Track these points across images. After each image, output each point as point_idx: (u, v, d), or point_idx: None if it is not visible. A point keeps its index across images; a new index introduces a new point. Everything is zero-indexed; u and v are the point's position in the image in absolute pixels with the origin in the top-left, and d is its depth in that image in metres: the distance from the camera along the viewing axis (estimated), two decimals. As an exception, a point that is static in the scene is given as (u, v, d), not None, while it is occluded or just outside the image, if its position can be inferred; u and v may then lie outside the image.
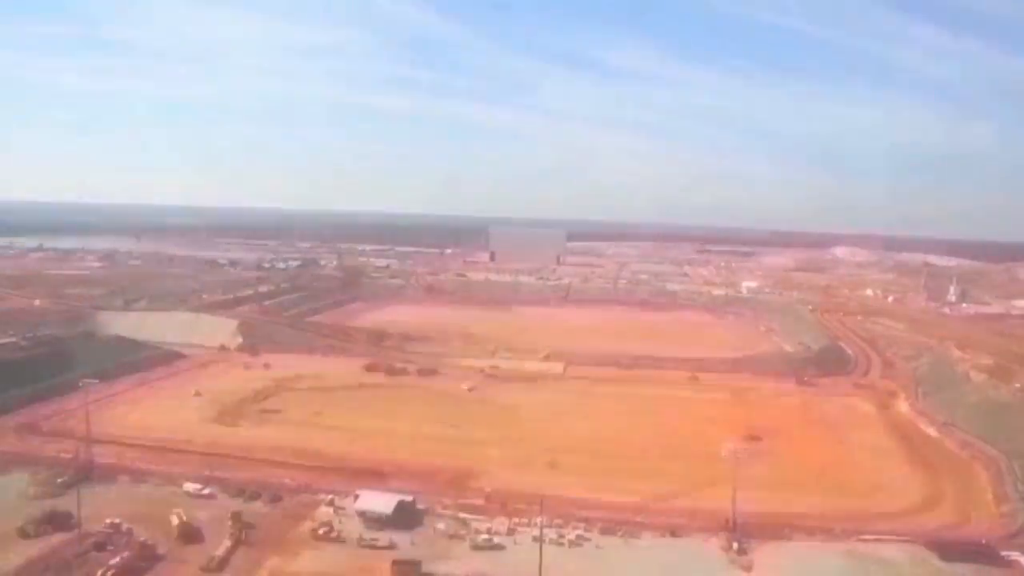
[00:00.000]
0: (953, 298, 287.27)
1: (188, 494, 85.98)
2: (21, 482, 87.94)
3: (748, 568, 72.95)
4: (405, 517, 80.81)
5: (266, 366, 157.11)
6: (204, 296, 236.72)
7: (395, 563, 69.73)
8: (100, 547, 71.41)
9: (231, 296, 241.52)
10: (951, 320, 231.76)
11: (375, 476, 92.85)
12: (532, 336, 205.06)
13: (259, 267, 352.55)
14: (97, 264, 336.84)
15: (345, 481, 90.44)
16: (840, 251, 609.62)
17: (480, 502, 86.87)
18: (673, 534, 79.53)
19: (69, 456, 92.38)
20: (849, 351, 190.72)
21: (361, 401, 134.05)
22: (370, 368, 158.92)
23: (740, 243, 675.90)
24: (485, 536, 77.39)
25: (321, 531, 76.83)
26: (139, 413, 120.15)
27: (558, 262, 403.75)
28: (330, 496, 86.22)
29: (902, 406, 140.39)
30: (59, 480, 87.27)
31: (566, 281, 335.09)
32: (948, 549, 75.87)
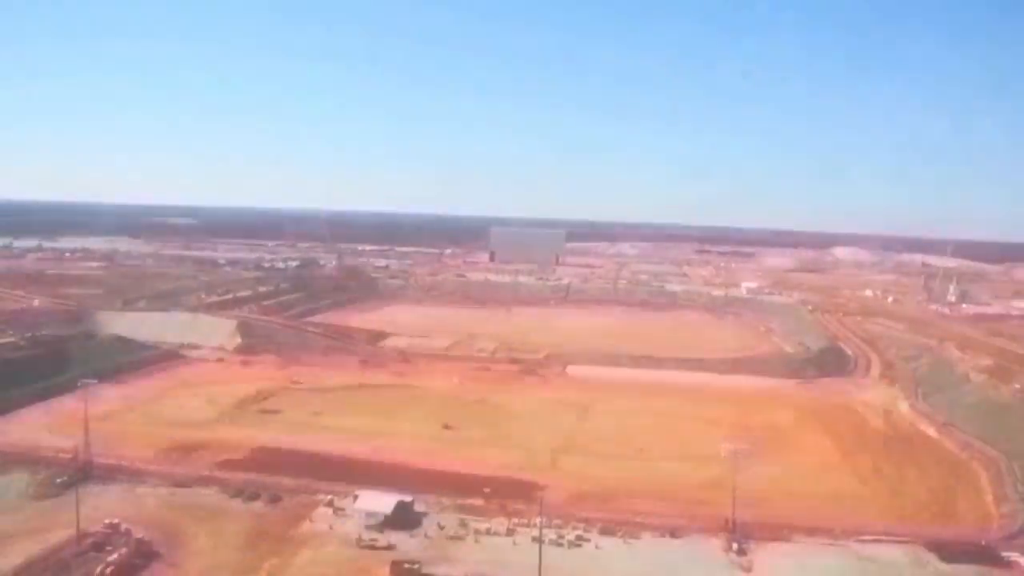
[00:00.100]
0: (953, 299, 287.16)
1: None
2: (21, 482, 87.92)
3: (748, 569, 72.90)
4: (404, 517, 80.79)
5: (265, 366, 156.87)
6: (203, 296, 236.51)
7: (395, 563, 69.64)
8: (99, 547, 71.36)
9: (230, 296, 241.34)
10: (951, 321, 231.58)
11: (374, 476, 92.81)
12: (532, 335, 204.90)
13: (258, 267, 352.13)
14: (97, 264, 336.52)
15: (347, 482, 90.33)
16: (840, 251, 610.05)
17: (479, 502, 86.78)
18: (673, 535, 79.46)
19: (68, 456, 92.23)
20: (849, 352, 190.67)
21: (362, 401, 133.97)
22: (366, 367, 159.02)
23: (740, 243, 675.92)
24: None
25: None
26: (137, 413, 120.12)
27: (558, 262, 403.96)
28: (329, 496, 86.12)
29: (902, 406, 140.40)
30: (58, 480, 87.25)
31: (566, 281, 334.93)
32: (948, 550, 75.85)
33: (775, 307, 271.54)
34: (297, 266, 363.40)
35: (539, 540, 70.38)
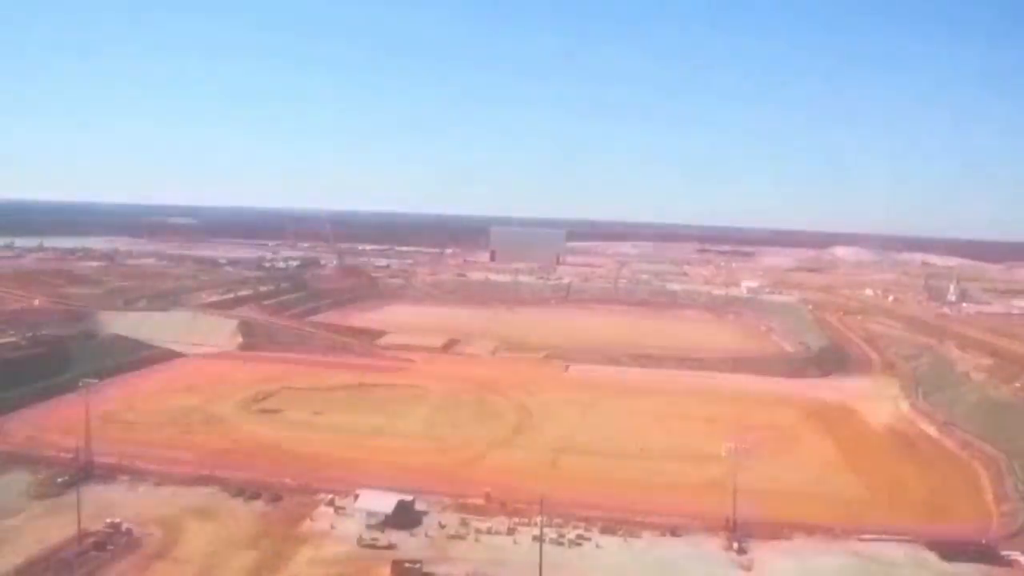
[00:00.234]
0: (953, 298, 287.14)
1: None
2: (21, 481, 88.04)
3: (748, 568, 72.94)
4: (405, 517, 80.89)
5: (266, 365, 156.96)
6: (204, 296, 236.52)
7: (395, 563, 69.73)
8: (100, 546, 71.46)
9: (231, 296, 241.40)
10: (951, 320, 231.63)
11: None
12: (532, 335, 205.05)
13: (259, 267, 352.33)
14: (97, 264, 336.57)
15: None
16: (840, 251, 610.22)
17: (480, 502, 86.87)
18: (673, 533, 79.51)
19: (69, 456, 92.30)
20: (849, 351, 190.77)
21: (362, 400, 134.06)
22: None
23: (740, 243, 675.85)
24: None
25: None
26: (138, 412, 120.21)
27: (558, 262, 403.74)
28: (330, 495, 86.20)
29: (903, 405, 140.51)
30: (59, 479, 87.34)
31: (566, 281, 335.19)
32: (948, 549, 75.88)
33: (775, 306, 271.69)
34: (298, 266, 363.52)
35: (540, 539, 70.49)
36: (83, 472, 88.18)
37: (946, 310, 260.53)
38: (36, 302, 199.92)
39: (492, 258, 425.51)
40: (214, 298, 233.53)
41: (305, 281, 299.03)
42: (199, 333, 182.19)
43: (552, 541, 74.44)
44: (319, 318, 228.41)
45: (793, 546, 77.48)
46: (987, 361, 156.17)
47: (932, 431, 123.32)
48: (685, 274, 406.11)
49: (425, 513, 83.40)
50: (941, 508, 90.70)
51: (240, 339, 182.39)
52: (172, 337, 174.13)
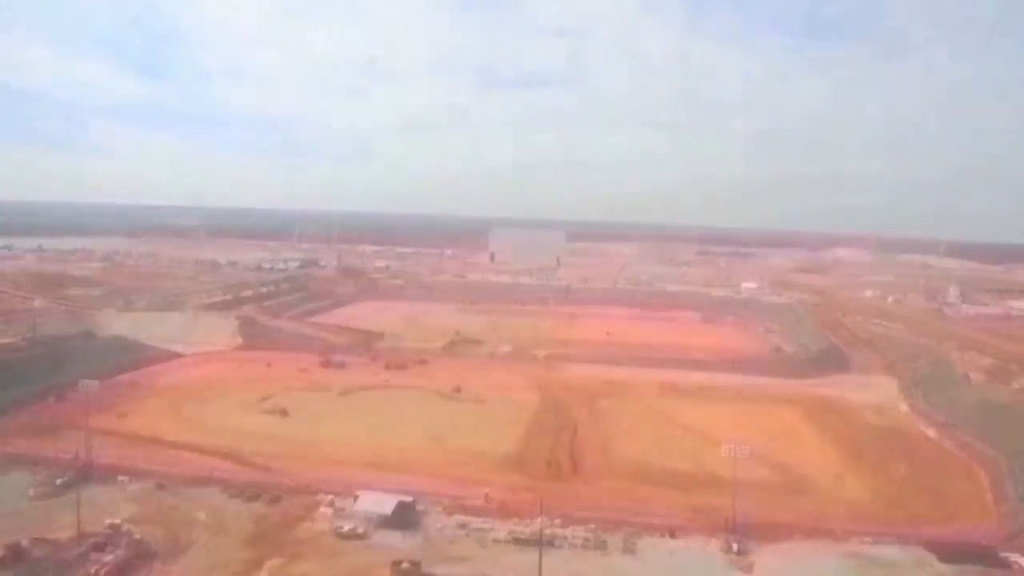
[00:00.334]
0: (953, 299, 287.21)
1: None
2: (21, 483, 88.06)
3: (748, 569, 73.00)
4: (405, 518, 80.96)
5: (266, 366, 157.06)
6: (204, 296, 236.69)
7: (395, 564, 69.78)
8: (100, 548, 71.48)
9: (231, 296, 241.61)
10: (951, 321, 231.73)
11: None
12: (532, 335, 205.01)
13: (259, 267, 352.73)
14: (97, 264, 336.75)
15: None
16: (840, 252, 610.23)
17: (480, 502, 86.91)
18: (672, 534, 79.53)
19: (68, 457, 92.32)
20: (849, 352, 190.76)
21: (362, 401, 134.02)
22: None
23: (740, 244, 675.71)
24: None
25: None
26: (138, 413, 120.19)
27: (558, 262, 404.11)
28: (330, 497, 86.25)
29: (902, 407, 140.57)
30: (58, 481, 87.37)
31: (566, 282, 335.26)
32: (947, 550, 75.95)
33: (775, 308, 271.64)
34: (297, 266, 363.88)
35: (539, 540, 70.56)
36: (82, 473, 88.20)
37: (946, 311, 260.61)
38: (36, 302, 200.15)
39: (492, 259, 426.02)
40: (214, 299, 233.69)
41: (305, 282, 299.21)
42: (199, 333, 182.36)
43: (552, 542, 74.51)
44: (319, 319, 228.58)
45: (792, 547, 77.52)
46: (987, 362, 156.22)
47: (931, 432, 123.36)
48: (685, 275, 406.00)
49: (425, 514, 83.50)
50: (940, 509, 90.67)
51: (240, 339, 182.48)
52: (172, 337, 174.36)
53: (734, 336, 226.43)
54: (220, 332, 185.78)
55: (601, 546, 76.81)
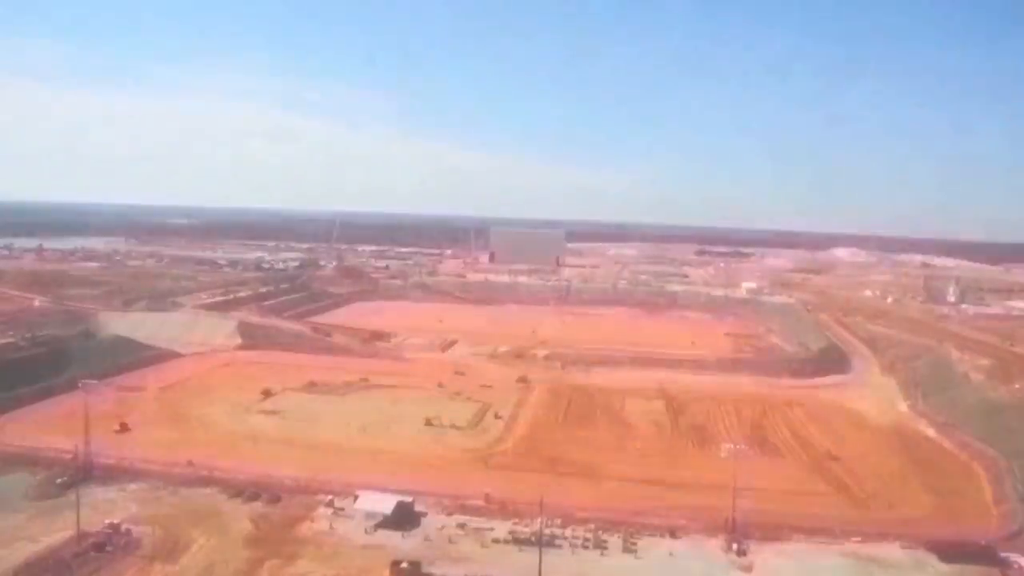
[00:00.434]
0: (952, 299, 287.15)
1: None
2: (21, 482, 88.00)
3: (748, 569, 72.97)
4: (404, 518, 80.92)
5: (265, 366, 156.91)
6: (203, 296, 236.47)
7: (394, 564, 69.73)
8: (99, 547, 71.45)
9: (230, 296, 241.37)
10: (950, 321, 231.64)
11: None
12: (532, 335, 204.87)
13: (258, 267, 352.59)
14: (96, 264, 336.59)
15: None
16: (840, 252, 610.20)
17: (480, 503, 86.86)
18: (672, 534, 79.48)
19: (68, 456, 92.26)
20: (848, 352, 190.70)
21: (361, 400, 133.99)
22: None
23: (740, 244, 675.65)
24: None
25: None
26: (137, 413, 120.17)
27: (558, 263, 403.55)
28: (329, 496, 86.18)
29: (901, 407, 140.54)
30: (58, 480, 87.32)
31: (566, 282, 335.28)
32: (947, 550, 75.90)
33: (775, 307, 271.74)
34: (297, 266, 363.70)
35: (539, 540, 70.52)
36: (82, 473, 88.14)
37: (945, 311, 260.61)
38: (36, 302, 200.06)
39: (492, 259, 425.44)
40: (214, 299, 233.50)
41: (304, 282, 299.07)
42: (199, 334, 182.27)
43: (551, 542, 74.48)
44: (318, 319, 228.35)
45: (793, 547, 77.51)
46: (986, 362, 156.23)
47: (931, 432, 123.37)
48: (685, 275, 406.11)
49: (424, 514, 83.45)
50: (940, 509, 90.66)
51: (239, 340, 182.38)
52: (172, 338, 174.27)
53: (734, 335, 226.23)
54: (219, 332, 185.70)
55: (601, 545, 76.81)
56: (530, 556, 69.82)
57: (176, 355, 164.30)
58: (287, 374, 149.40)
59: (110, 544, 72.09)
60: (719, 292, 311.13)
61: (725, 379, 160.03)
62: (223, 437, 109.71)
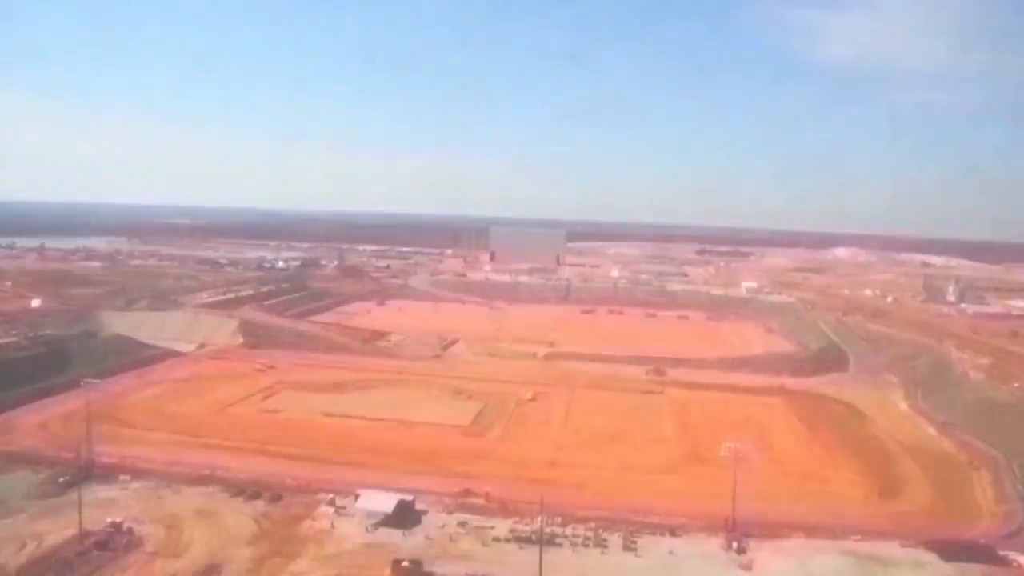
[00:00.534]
0: (952, 298, 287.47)
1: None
2: (23, 481, 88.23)
3: (748, 567, 73.12)
4: (405, 516, 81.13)
5: (270, 366, 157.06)
6: (204, 296, 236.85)
7: (396, 562, 69.94)
8: (101, 546, 71.70)
9: (231, 296, 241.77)
10: (950, 320, 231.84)
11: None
12: (532, 335, 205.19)
13: (259, 267, 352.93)
14: (97, 264, 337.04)
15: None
16: (840, 251, 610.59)
17: (480, 502, 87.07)
18: (672, 533, 79.66)
19: (70, 455, 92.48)
20: (848, 351, 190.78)
21: (361, 399, 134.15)
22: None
23: (740, 243, 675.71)
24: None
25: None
26: (140, 412, 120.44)
27: (558, 262, 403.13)
28: (331, 495, 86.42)
29: (902, 406, 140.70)
30: (60, 479, 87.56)
31: (566, 282, 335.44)
32: (948, 549, 76.05)
33: (775, 307, 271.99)
34: (298, 266, 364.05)
35: (540, 539, 70.72)
36: (84, 472, 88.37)
37: (945, 310, 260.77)
38: (37, 302, 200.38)
39: (492, 259, 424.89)
40: (215, 298, 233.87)
41: (306, 281, 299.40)
42: (200, 333, 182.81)
43: (552, 541, 74.69)
44: (319, 318, 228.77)
45: (792, 546, 77.65)
46: (985, 361, 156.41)
47: (931, 431, 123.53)
48: (685, 275, 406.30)
49: (425, 513, 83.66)
50: (940, 508, 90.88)
51: (241, 339, 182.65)
52: (173, 337, 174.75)
53: (734, 334, 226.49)
54: (221, 331, 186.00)
55: (601, 544, 77.06)
56: (531, 554, 70.02)
57: (178, 354, 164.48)
58: (287, 372, 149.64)
59: (112, 543, 72.32)
60: (719, 291, 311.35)
61: (725, 378, 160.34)
62: (222, 437, 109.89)
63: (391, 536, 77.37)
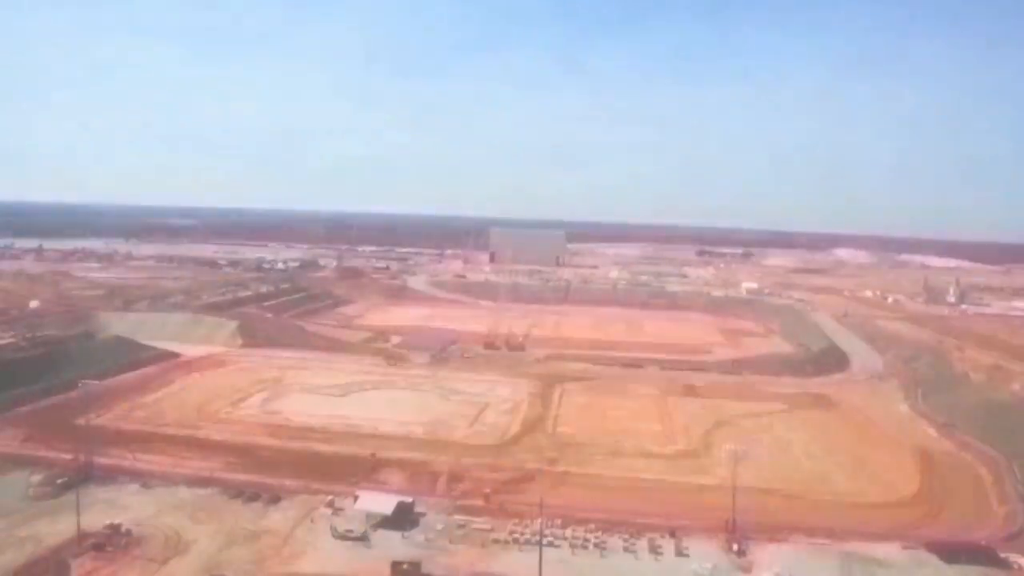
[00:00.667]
0: (952, 299, 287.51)
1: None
2: (21, 482, 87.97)
3: (748, 569, 72.88)
4: (405, 518, 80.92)
5: (266, 366, 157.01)
6: (204, 297, 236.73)
7: (395, 564, 69.73)
8: (99, 548, 71.48)
9: (231, 297, 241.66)
10: (950, 321, 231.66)
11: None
12: (532, 335, 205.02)
13: (259, 268, 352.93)
14: (97, 265, 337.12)
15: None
16: (840, 252, 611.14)
17: (480, 502, 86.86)
18: (672, 534, 79.39)
19: (69, 457, 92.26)
20: (848, 352, 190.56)
21: (362, 400, 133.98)
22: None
23: (740, 244, 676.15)
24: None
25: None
26: (138, 413, 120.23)
27: (558, 263, 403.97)
28: (330, 497, 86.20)
29: (902, 407, 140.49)
30: (59, 481, 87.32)
31: (565, 282, 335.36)
32: (948, 550, 75.86)
33: (775, 308, 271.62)
34: (298, 267, 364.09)
35: (539, 540, 70.49)
36: (82, 473, 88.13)
37: (945, 311, 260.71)
38: (37, 303, 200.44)
39: (492, 259, 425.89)
40: (214, 299, 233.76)
41: (305, 282, 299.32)
42: (199, 334, 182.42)
43: (552, 542, 74.45)
44: (319, 319, 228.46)
45: (792, 547, 77.42)
46: (986, 362, 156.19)
47: (932, 432, 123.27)
48: (685, 275, 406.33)
49: (424, 514, 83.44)
50: (941, 509, 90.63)
51: (240, 340, 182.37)
52: (172, 338, 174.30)
53: (735, 335, 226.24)
54: (220, 332, 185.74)
55: (600, 546, 76.83)
56: (530, 556, 69.76)
57: (177, 355, 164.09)
58: (287, 373, 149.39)
59: (110, 544, 72.12)
60: (719, 292, 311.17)
61: (725, 379, 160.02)
62: (222, 437, 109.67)
63: (390, 538, 76.89)
